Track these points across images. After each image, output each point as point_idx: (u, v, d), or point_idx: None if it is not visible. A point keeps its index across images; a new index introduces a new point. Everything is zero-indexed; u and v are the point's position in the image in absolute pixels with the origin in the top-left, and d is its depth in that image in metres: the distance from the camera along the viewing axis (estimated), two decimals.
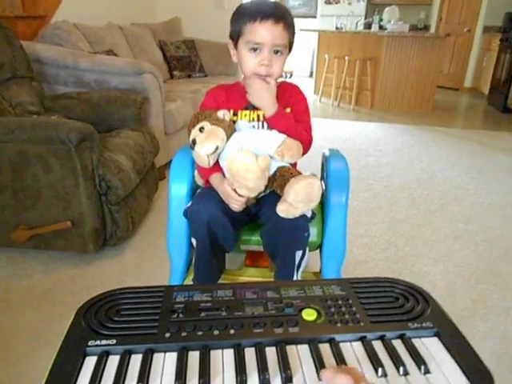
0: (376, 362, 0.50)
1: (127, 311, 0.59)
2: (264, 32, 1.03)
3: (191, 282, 1.23)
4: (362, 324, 0.57)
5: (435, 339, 0.55)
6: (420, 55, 4.97)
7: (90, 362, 0.51)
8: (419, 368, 0.50)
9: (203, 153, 1.02)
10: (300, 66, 7.83)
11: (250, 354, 0.52)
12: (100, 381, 0.48)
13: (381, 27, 5.98)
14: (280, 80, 1.17)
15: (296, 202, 0.98)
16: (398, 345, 0.54)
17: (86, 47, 2.75)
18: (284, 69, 1.13)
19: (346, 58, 5.01)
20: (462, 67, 6.77)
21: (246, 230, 1.21)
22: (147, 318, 0.57)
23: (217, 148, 1.02)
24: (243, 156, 0.98)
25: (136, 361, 0.51)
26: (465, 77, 6.79)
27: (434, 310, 0.59)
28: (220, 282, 1.23)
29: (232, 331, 0.55)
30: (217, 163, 1.08)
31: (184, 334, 0.54)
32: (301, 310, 0.59)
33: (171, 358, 0.52)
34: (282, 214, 1.01)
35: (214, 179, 1.11)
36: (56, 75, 2.45)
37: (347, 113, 5.04)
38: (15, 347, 1.33)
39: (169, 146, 2.63)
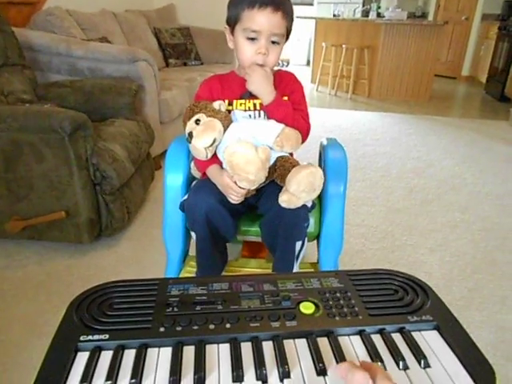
0: (375, 357, 0.49)
1: (120, 305, 0.57)
2: (262, 19, 1.00)
3: (187, 274, 1.22)
4: (360, 317, 0.55)
5: (435, 332, 0.54)
6: (418, 43, 4.93)
7: (81, 358, 0.49)
8: (419, 362, 0.49)
9: (200, 146, 1.00)
10: (297, 54, 7.76)
11: (246, 348, 0.51)
12: (92, 377, 0.46)
13: (378, 15, 5.92)
14: (276, 68, 1.15)
15: (298, 191, 0.96)
16: (397, 338, 0.53)
17: (80, 34, 2.70)
18: (280, 57, 1.11)
19: (344, 46, 4.97)
20: (460, 56, 6.73)
21: (244, 221, 1.19)
22: (141, 311, 0.56)
23: (214, 140, 1.00)
24: (243, 148, 0.95)
25: (129, 356, 0.50)
26: (462, 65, 6.76)
27: (434, 302, 0.58)
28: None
29: (228, 325, 0.54)
30: (214, 154, 1.05)
31: (179, 328, 0.53)
32: (298, 303, 0.58)
33: (166, 353, 0.50)
34: (284, 205, 0.99)
35: (212, 171, 1.08)
36: (49, 63, 2.40)
37: (344, 102, 5.01)
38: (10, 338, 1.32)
39: (164, 136, 2.61)
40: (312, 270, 1.25)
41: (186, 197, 1.11)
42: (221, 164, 1.06)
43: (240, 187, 1.00)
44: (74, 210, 1.65)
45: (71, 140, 1.54)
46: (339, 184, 1.18)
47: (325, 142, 1.31)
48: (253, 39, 1.03)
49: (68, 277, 1.62)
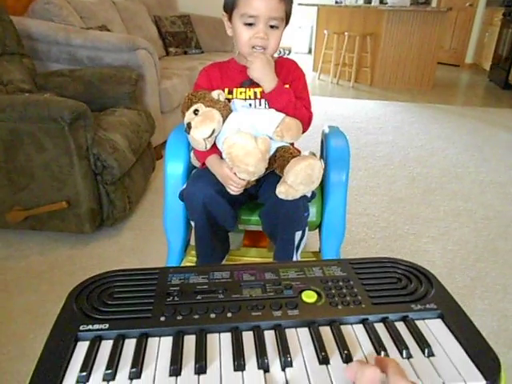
0: (378, 345, 0.49)
1: (121, 294, 0.57)
2: (259, 3, 0.97)
3: (189, 263, 1.22)
4: (363, 306, 0.55)
5: (439, 321, 0.54)
6: (421, 30, 4.86)
7: (81, 348, 0.49)
8: (423, 351, 0.49)
9: (199, 137, 0.98)
10: (298, 42, 7.68)
11: (247, 337, 0.51)
12: (92, 367, 0.46)
13: (381, 1, 5.84)
14: (277, 55, 1.13)
15: (296, 183, 0.95)
16: (400, 327, 0.52)
17: (78, 23, 2.67)
18: (282, 45, 1.08)
19: (346, 33, 4.91)
20: (464, 43, 6.64)
21: (245, 210, 1.18)
22: (141, 301, 0.55)
23: (213, 131, 0.98)
24: (242, 139, 0.94)
25: (130, 346, 0.49)
26: (466, 53, 6.68)
27: (438, 291, 0.58)
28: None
29: (229, 314, 0.53)
30: (213, 144, 1.04)
31: (179, 317, 0.52)
32: (300, 291, 0.57)
33: (166, 342, 0.50)
34: (281, 196, 0.98)
35: (211, 161, 1.06)
36: (48, 52, 2.38)
37: (347, 90, 4.96)
38: (13, 328, 1.33)
39: (165, 125, 2.59)
40: (314, 258, 1.24)
41: (184, 186, 1.10)
42: (220, 154, 1.05)
43: (240, 178, 0.99)
44: (75, 200, 1.64)
45: (71, 129, 1.52)
46: (341, 173, 1.17)
47: (327, 130, 1.30)
48: (251, 24, 1.00)
49: (70, 267, 1.62)
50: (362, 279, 0.60)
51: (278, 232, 1.09)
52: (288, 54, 7.29)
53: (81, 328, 0.51)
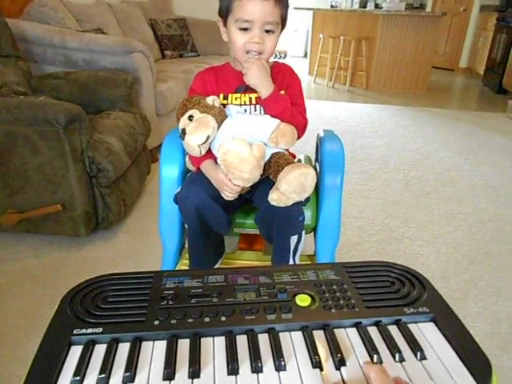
0: (371, 349, 0.49)
1: (114, 298, 0.57)
2: (253, 8, 0.96)
3: (184, 266, 1.22)
4: (356, 309, 0.55)
5: (432, 324, 0.54)
6: (416, 35, 4.90)
7: (75, 352, 0.49)
8: (415, 354, 0.49)
9: (194, 143, 0.98)
10: (294, 45, 7.71)
11: (241, 341, 0.51)
12: (86, 371, 0.46)
13: (376, 6, 5.89)
14: (272, 60, 1.13)
15: (288, 191, 0.95)
16: (393, 330, 0.53)
17: (74, 25, 2.67)
18: (278, 49, 1.08)
19: (341, 37, 4.93)
20: (458, 47, 6.70)
21: (239, 213, 1.18)
22: (135, 305, 0.55)
23: (208, 138, 0.98)
24: (237, 146, 0.94)
25: (123, 350, 0.49)
26: (460, 57, 6.74)
27: (431, 294, 0.58)
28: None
29: (223, 318, 0.53)
30: (208, 150, 1.04)
31: (173, 321, 0.53)
32: (294, 295, 0.57)
33: (160, 346, 0.50)
34: (273, 203, 0.98)
35: (206, 166, 1.06)
36: (43, 54, 2.38)
37: (342, 94, 4.99)
38: (7, 331, 1.32)
39: (160, 128, 2.59)
40: (309, 262, 1.25)
41: (179, 189, 1.10)
42: (215, 159, 1.05)
43: (235, 185, 0.99)
44: (70, 203, 1.64)
45: (66, 132, 1.52)
46: (336, 176, 1.18)
47: (322, 134, 1.30)
48: (246, 29, 1.00)
49: (64, 270, 1.61)
50: (355, 283, 0.60)
51: (273, 237, 1.09)
52: (284, 58, 7.32)
53: (74, 332, 0.51)
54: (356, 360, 0.48)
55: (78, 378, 0.45)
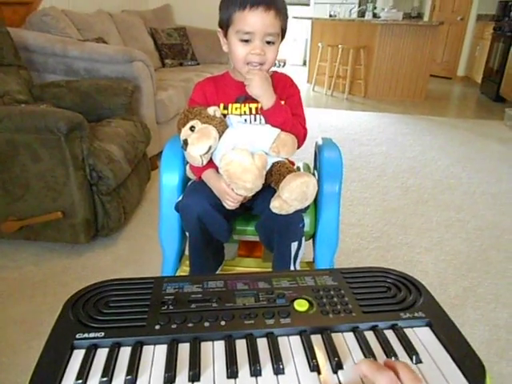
0: (368, 353, 0.50)
1: (116, 303, 0.58)
2: (254, 20, 0.98)
3: (183, 273, 1.22)
4: (354, 314, 0.56)
5: (427, 329, 0.55)
6: (413, 44, 4.95)
7: (77, 356, 0.50)
8: (411, 358, 0.50)
9: (196, 154, 0.99)
10: (293, 54, 7.77)
11: (241, 345, 0.52)
12: (88, 374, 0.47)
13: (374, 15, 5.94)
14: (272, 70, 1.15)
15: (290, 199, 0.97)
16: (390, 335, 0.54)
17: (75, 34, 2.70)
18: (277, 57, 1.09)
19: (340, 46, 4.98)
20: (455, 56, 6.76)
21: (240, 221, 1.19)
22: (136, 309, 0.56)
23: (210, 148, 0.99)
24: (240, 156, 0.95)
25: (125, 353, 0.50)
26: (458, 66, 6.79)
27: (426, 299, 0.59)
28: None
29: (223, 323, 0.54)
30: (209, 159, 1.05)
31: (174, 325, 0.54)
32: (293, 300, 0.58)
33: (161, 350, 0.51)
34: (275, 211, 0.99)
35: (208, 176, 1.07)
36: (44, 63, 2.40)
37: (341, 102, 5.02)
38: (7, 339, 1.32)
39: (161, 136, 2.61)
40: (308, 268, 1.26)
41: (180, 198, 1.12)
42: (216, 168, 1.06)
43: (237, 194, 1.00)
44: (71, 211, 1.65)
45: (67, 140, 1.54)
46: (334, 184, 1.19)
47: (320, 142, 1.32)
48: (247, 41, 1.01)
49: (65, 277, 1.62)
50: (352, 288, 0.61)
51: (274, 244, 1.10)
52: (283, 67, 7.37)
53: (77, 336, 0.52)
54: (353, 363, 0.49)
55: (80, 381, 0.46)
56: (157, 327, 0.53)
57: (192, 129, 1.00)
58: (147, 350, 0.51)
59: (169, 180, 1.18)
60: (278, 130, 1.04)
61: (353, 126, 3.88)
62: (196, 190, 1.09)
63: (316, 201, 1.22)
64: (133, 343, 0.51)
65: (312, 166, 1.42)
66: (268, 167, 1.03)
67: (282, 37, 1.07)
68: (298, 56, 7.85)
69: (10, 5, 2.65)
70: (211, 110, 1.03)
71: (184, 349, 0.51)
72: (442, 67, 6.89)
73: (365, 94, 5.22)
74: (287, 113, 1.08)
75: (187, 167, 1.21)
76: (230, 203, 1.03)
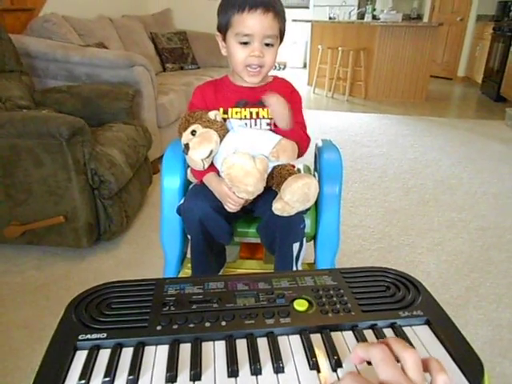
0: None
1: (118, 305, 0.58)
2: (253, 22, 0.98)
3: (185, 275, 1.23)
4: (353, 313, 0.57)
5: (426, 327, 0.55)
6: (413, 45, 4.96)
7: (80, 356, 0.50)
8: None
9: (197, 158, 0.99)
10: (293, 57, 7.79)
11: (241, 345, 0.52)
12: (91, 375, 0.47)
13: (374, 17, 5.96)
14: (271, 73, 1.15)
15: (292, 201, 0.97)
16: (389, 333, 0.54)
17: (76, 40, 2.72)
18: (277, 60, 1.10)
19: (340, 48, 4.99)
20: (455, 57, 6.76)
21: (241, 223, 1.20)
22: (138, 311, 0.57)
23: (211, 152, 0.99)
24: (241, 160, 0.96)
25: (127, 354, 0.51)
26: (458, 66, 6.80)
27: (425, 298, 0.59)
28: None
29: (223, 323, 0.55)
30: (210, 163, 1.06)
31: (175, 326, 0.54)
32: (292, 300, 0.59)
33: (162, 350, 0.52)
34: (277, 212, 1.00)
35: (209, 179, 1.07)
36: (46, 69, 2.42)
37: (341, 104, 5.03)
38: (10, 343, 1.33)
39: (162, 140, 2.62)
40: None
41: (182, 201, 1.12)
42: (217, 172, 1.07)
43: (239, 197, 1.01)
44: (73, 215, 1.66)
45: (69, 145, 1.55)
46: (334, 185, 1.20)
47: (320, 144, 1.33)
48: (246, 43, 1.01)
49: (67, 281, 1.63)
50: (351, 288, 0.62)
51: (276, 245, 1.11)
52: (283, 69, 7.39)
53: (79, 337, 0.52)
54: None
55: (83, 381, 0.46)
56: (158, 328, 0.54)
57: (193, 133, 1.01)
58: (149, 350, 0.52)
59: (170, 183, 1.19)
60: (278, 136, 1.04)
61: (353, 128, 3.89)
62: (198, 193, 1.10)
63: (316, 202, 1.23)
64: (135, 344, 0.52)
65: (312, 167, 1.42)
66: (269, 171, 1.04)
67: (281, 40, 1.08)
68: (298, 58, 7.87)
69: (11, 11, 2.68)
70: (212, 114, 1.04)
71: (185, 349, 0.52)
72: (442, 68, 6.89)
73: (365, 96, 5.23)
74: (299, 132, 1.10)
75: (188, 171, 1.22)
76: (232, 206, 1.04)
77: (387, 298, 0.60)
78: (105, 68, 2.38)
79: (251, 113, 1.11)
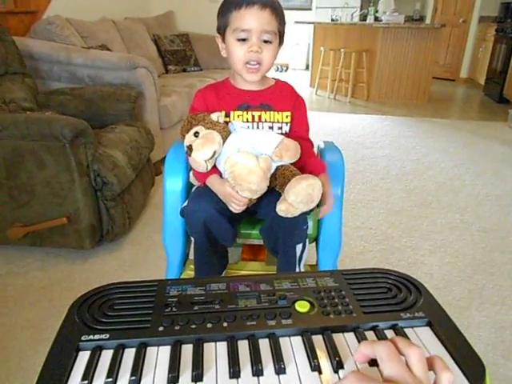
0: None
1: (120, 306, 0.59)
2: (251, 18, 0.99)
3: (187, 277, 1.23)
4: (354, 315, 0.57)
5: (427, 329, 0.55)
6: (416, 46, 4.96)
7: (83, 357, 0.51)
8: None
9: (200, 159, 0.99)
10: (296, 58, 7.80)
11: (243, 346, 0.52)
12: (93, 375, 0.48)
13: (376, 19, 5.95)
14: (273, 75, 1.16)
15: (296, 202, 0.97)
16: (390, 335, 0.54)
17: (79, 42, 2.73)
18: (280, 62, 1.10)
19: (342, 50, 5.00)
20: (458, 58, 6.76)
21: (244, 225, 1.20)
22: (140, 312, 0.57)
23: (214, 153, 1.00)
24: (245, 158, 0.96)
25: (129, 355, 0.51)
26: (461, 68, 6.79)
27: (427, 299, 0.59)
28: None
29: (225, 324, 0.55)
30: (213, 165, 1.06)
31: (177, 327, 0.54)
32: (294, 301, 0.59)
33: (164, 351, 0.52)
34: (281, 214, 1.00)
35: (212, 181, 1.07)
36: (49, 71, 2.43)
37: (343, 105, 5.03)
38: (13, 344, 1.33)
39: (164, 141, 2.63)
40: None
41: (186, 203, 1.12)
42: (220, 174, 1.07)
43: (242, 196, 1.01)
44: (76, 216, 1.66)
45: (72, 147, 1.56)
46: (336, 187, 1.20)
47: (322, 146, 1.33)
48: (244, 40, 1.02)
49: (70, 282, 1.63)
50: (353, 289, 0.62)
51: (279, 246, 1.11)
52: (285, 71, 7.40)
53: (82, 338, 0.53)
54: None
55: (86, 382, 0.47)
56: (160, 329, 0.54)
57: (196, 134, 1.01)
58: (151, 351, 0.52)
59: (172, 185, 1.20)
60: (281, 136, 1.04)
61: (356, 129, 3.89)
62: (201, 195, 1.10)
63: (319, 204, 1.23)
64: (137, 345, 0.52)
65: None
66: (272, 171, 1.04)
67: (281, 41, 1.08)
68: (301, 60, 7.87)
69: (15, 14, 2.69)
70: (215, 116, 1.04)
71: (187, 350, 0.52)
72: (444, 69, 6.89)
73: (367, 97, 5.23)
74: (320, 164, 1.15)
75: (191, 174, 1.22)
76: (236, 206, 1.03)
77: (389, 300, 0.60)
78: (107, 70, 2.39)
79: (253, 116, 1.11)
